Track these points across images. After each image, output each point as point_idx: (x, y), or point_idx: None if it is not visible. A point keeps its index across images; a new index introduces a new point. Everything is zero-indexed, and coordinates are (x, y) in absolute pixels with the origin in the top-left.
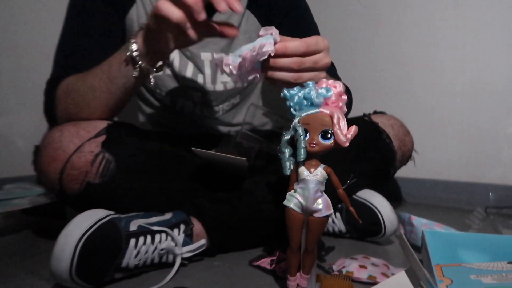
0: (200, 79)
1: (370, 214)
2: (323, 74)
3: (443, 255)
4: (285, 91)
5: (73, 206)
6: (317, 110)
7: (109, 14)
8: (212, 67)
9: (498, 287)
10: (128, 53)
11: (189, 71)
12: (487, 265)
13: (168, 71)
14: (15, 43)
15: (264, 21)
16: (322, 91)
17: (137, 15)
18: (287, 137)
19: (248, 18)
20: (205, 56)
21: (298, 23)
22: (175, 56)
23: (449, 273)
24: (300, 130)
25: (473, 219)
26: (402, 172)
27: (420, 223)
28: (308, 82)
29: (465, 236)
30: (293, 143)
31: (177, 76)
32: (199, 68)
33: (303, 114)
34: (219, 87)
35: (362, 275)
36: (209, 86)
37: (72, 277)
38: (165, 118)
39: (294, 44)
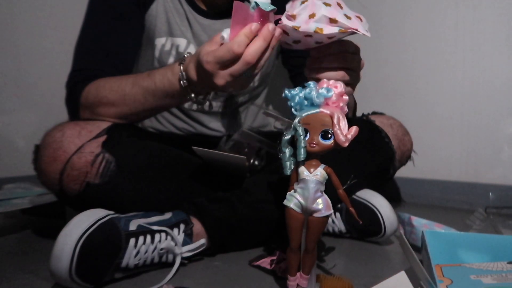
0: None
1: (370, 214)
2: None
3: (443, 255)
4: (286, 91)
5: (73, 206)
6: (317, 110)
7: (130, 9)
8: None
9: (498, 287)
10: (178, 80)
11: None
12: (487, 265)
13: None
14: (15, 43)
15: None
16: (323, 91)
17: (157, 12)
18: (287, 137)
19: None
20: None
21: None
22: (191, 44)
23: (449, 273)
24: (300, 130)
25: (473, 219)
26: (402, 172)
27: (420, 223)
28: (309, 82)
29: (465, 236)
30: (293, 143)
31: None
32: None
33: (303, 114)
34: None
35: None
36: None
37: (71, 277)
38: (166, 118)
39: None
